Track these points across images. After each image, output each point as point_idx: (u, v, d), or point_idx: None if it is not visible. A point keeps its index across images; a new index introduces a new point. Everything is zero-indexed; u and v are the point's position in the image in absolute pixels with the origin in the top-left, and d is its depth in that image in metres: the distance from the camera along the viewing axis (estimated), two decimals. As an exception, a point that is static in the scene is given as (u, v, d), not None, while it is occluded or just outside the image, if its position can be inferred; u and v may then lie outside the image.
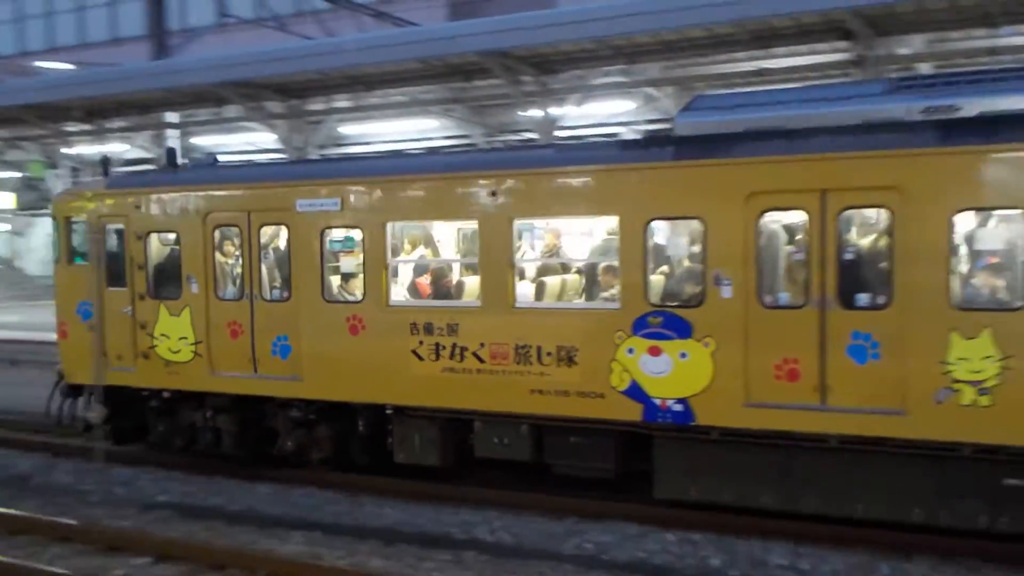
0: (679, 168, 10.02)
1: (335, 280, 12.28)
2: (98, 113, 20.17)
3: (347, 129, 23.89)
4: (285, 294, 12.42)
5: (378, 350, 11.67)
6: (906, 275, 9.03)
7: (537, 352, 10.77)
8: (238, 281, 12.83)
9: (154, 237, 13.45)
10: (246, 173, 13.73)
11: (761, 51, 15.65)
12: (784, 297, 9.81)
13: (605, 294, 10.88)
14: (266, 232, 12.57)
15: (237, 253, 12.78)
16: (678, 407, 10.17)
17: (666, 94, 19.72)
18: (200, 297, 12.89)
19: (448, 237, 12.47)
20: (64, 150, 24.84)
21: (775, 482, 10.09)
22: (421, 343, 11.37)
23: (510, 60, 15.51)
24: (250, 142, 24.20)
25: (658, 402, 10.27)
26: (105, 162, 14.98)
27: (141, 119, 20.78)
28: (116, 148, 23.55)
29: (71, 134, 21.61)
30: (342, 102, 19.45)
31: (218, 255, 12.93)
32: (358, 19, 27.81)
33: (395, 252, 11.79)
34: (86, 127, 21.15)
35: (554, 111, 17.32)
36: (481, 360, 11.05)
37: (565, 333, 10.65)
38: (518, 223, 10.90)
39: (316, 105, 19.40)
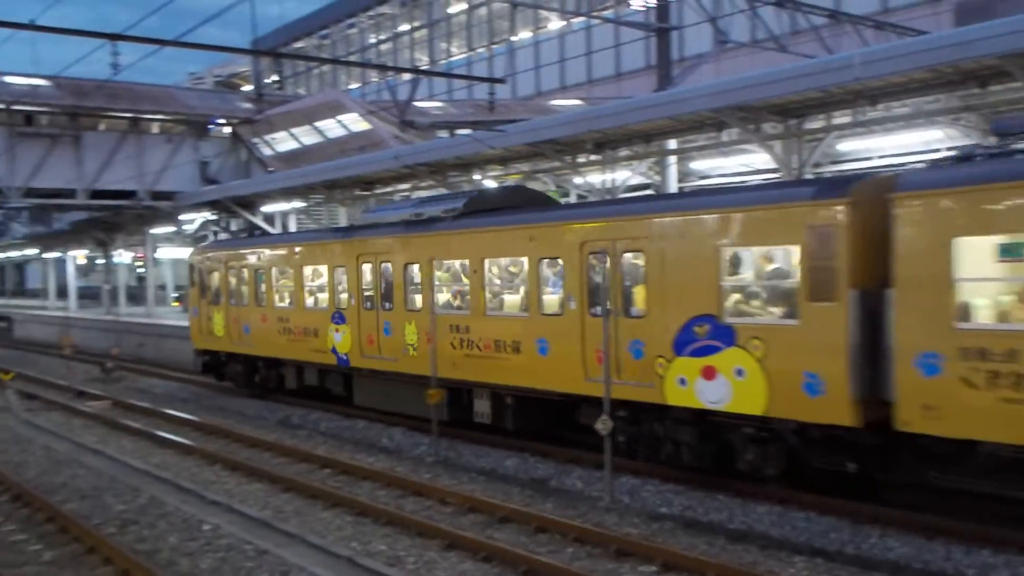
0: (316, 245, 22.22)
1: (256, 294, 24.11)
2: (607, 144, 21.51)
3: (845, 146, 23.17)
4: (246, 301, 24.39)
5: (265, 329, 23.57)
6: (398, 295, 18.97)
7: (308, 331, 21.84)
8: (231, 296, 25.08)
9: (214, 273, 25.97)
10: (231, 243, 26.80)
11: None
12: (368, 304, 19.97)
13: (324, 303, 21.59)
14: (231, 272, 25.08)
15: (230, 281, 25.16)
16: (345, 358, 20.61)
17: None
18: (224, 304, 25.32)
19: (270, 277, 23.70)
20: (576, 180, 26.89)
21: (391, 398, 19.88)
22: (267, 326, 23.55)
23: (1035, 60, 14.06)
24: (745, 163, 24.40)
25: (340, 356, 20.73)
26: (216, 233, 28.62)
27: (644, 148, 21.79)
28: (620, 176, 24.99)
29: (582, 165, 23.25)
30: (841, 118, 18.89)
31: (231, 281, 25.12)
32: (858, 33, 27.02)
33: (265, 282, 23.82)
34: (596, 157, 22.64)
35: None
36: (292, 333, 22.54)
37: (313, 322, 21.69)
38: (275, 271, 23.35)
39: (814, 123, 19.05)
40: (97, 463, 17.64)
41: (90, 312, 49.68)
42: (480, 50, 62.69)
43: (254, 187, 33.26)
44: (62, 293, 56.87)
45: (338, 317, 20.69)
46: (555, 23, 58.29)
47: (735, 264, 13.19)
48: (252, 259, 24.31)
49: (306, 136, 37.73)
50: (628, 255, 14.36)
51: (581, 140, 21.15)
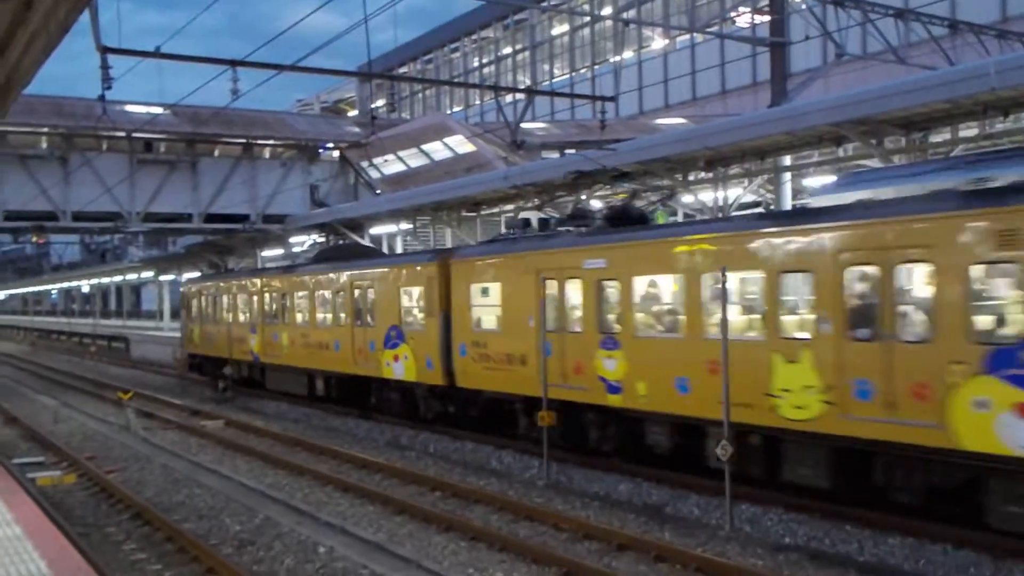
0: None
1: (213, 313, 34.84)
2: (718, 161, 21.08)
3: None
4: (209, 318, 34.95)
5: (219, 337, 33.55)
6: (281, 314, 29.31)
7: (241, 338, 31.81)
8: (202, 314, 35.65)
9: (193, 299, 36.38)
10: (203, 278, 39.63)
11: None
12: (268, 320, 30.04)
13: (248, 319, 31.48)
14: (203, 298, 35.88)
15: (202, 304, 35.94)
16: (257, 356, 30.38)
17: None
18: (197, 322, 36.05)
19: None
20: (684, 199, 26.46)
21: (283, 382, 29.26)
22: (220, 335, 33.89)
23: None
24: (864, 180, 23.62)
25: (255, 355, 30.49)
26: (208, 269, 44.52)
27: (758, 165, 21.30)
28: (732, 193, 24.47)
29: (692, 183, 22.87)
30: (969, 131, 18.15)
31: (203, 303, 35.58)
32: (981, 43, 25.97)
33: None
34: (706, 175, 22.25)
35: None
36: (233, 340, 32.12)
37: (243, 332, 31.53)
38: (223, 297, 34.18)
39: (939, 136, 18.34)
40: (213, 482, 17.89)
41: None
42: (582, 71, 62.62)
43: (362, 209, 33.69)
44: (176, 314, 58.57)
45: (253, 329, 30.62)
46: (658, 42, 57.88)
47: (404, 295, 22.70)
48: (211, 289, 35.20)
49: (413, 159, 38.12)
50: (370, 289, 24.03)
51: (693, 157, 20.78)
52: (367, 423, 24.46)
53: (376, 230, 34.58)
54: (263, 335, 29.83)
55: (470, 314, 19.96)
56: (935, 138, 18.51)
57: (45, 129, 33.93)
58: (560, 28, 65.25)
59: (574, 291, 17.16)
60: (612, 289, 16.47)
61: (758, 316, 14.06)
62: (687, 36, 53.46)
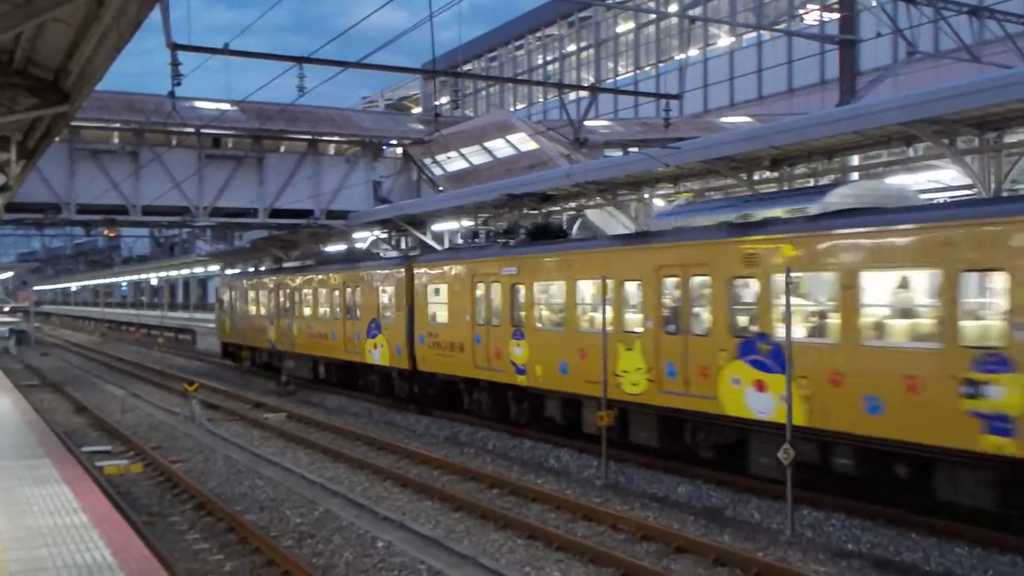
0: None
1: (241, 306, 40.67)
2: (784, 160, 20.71)
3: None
4: (237, 310, 40.94)
5: (245, 328, 39.81)
6: (291, 308, 33.87)
7: (261, 328, 37.01)
8: (232, 307, 41.94)
9: (224, 292, 43.54)
10: (230, 276, 46.21)
11: None
12: (283, 313, 34.77)
13: (266, 312, 36.73)
14: (231, 291, 42.18)
15: (232, 296, 42.18)
16: (275, 345, 35.28)
17: None
18: (228, 313, 42.77)
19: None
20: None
21: (296, 368, 33.42)
22: (245, 326, 40.15)
23: None
24: (934, 180, 23.10)
25: (273, 344, 35.46)
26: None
27: (825, 164, 20.88)
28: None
29: (757, 182, 22.51)
30: (1046, 132, 17.59)
31: (232, 296, 41.38)
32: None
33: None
34: (771, 175, 21.88)
35: None
36: (255, 330, 38.49)
37: (262, 323, 37.04)
38: (250, 292, 39.91)
39: (1015, 137, 17.80)
40: (275, 474, 18.11)
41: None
42: (647, 68, 62.19)
43: (425, 206, 33.79)
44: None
45: (271, 321, 35.29)
46: (725, 40, 57.24)
47: (381, 294, 26.63)
48: (238, 285, 40.73)
49: (475, 156, 38.14)
50: (357, 288, 28.23)
51: (758, 157, 20.43)
52: (427, 419, 24.57)
53: (438, 227, 34.67)
54: (278, 326, 34.64)
55: (427, 310, 24.27)
56: (1010, 138, 17.96)
57: (117, 124, 34.61)
58: (625, 25, 64.82)
59: (496, 292, 21.39)
60: (521, 291, 20.59)
61: (611, 314, 17.50)
62: (754, 34, 52.74)
